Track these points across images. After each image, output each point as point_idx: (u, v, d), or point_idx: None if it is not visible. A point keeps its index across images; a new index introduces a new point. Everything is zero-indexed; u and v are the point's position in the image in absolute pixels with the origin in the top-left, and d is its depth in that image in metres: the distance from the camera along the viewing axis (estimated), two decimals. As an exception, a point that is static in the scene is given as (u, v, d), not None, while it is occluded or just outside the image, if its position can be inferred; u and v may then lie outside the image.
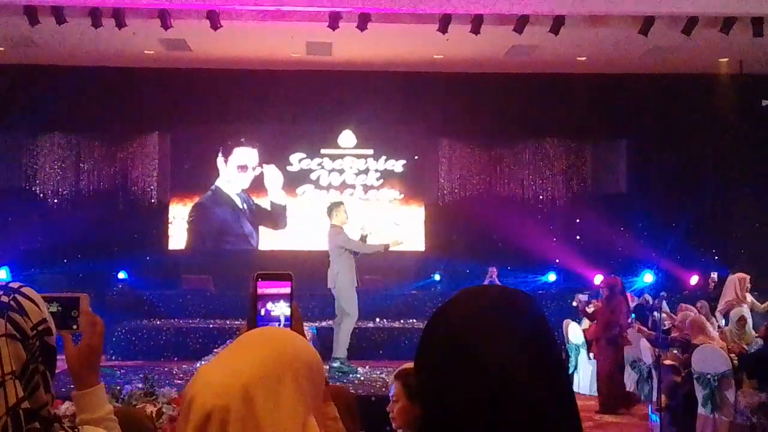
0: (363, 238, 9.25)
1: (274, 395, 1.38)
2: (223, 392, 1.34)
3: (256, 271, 1.80)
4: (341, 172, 15.26)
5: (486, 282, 13.27)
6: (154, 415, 3.43)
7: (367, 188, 15.29)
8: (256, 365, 1.38)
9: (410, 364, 3.95)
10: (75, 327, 1.89)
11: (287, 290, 1.81)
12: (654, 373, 8.31)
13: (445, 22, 11.30)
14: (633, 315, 11.09)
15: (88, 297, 1.94)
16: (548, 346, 1.26)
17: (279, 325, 1.80)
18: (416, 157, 15.42)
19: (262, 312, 1.80)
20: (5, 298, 1.60)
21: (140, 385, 4.26)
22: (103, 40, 12.27)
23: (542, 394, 1.19)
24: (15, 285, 1.66)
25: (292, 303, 1.79)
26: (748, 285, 10.76)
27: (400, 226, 14.62)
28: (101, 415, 1.84)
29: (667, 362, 8.57)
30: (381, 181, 15.32)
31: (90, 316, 1.90)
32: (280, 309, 1.80)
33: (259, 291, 1.79)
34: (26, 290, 1.65)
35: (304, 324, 1.94)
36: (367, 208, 15.14)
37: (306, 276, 13.63)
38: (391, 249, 9.54)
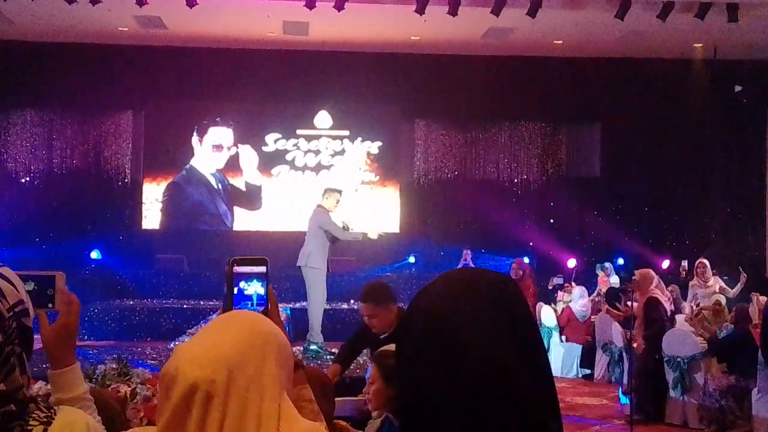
0: (344, 227, 9.25)
1: (257, 371, 1.40)
2: (208, 365, 1.36)
3: (232, 257, 1.82)
4: (317, 153, 15.21)
5: (461, 264, 13.33)
6: (128, 396, 3.42)
7: (342, 169, 15.24)
8: (237, 342, 1.40)
9: (387, 347, 3.97)
10: (50, 305, 1.88)
11: (262, 270, 1.84)
12: (625, 355, 8.41)
13: (422, 3, 11.27)
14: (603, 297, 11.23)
15: (64, 275, 1.92)
16: (527, 328, 1.27)
17: (251, 303, 1.83)
18: (380, 145, 15.38)
19: (235, 290, 1.83)
20: None
21: (114, 365, 4.24)
22: (77, 17, 12.11)
23: (523, 375, 1.19)
24: None
25: (268, 286, 1.82)
26: (709, 270, 10.83)
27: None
28: (77, 395, 1.83)
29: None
30: (356, 161, 15.28)
31: (66, 295, 1.88)
32: (253, 288, 1.83)
33: (236, 271, 1.80)
34: (3, 270, 1.63)
35: (279, 305, 1.96)
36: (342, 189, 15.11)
37: (280, 257, 13.65)
38: (369, 237, 9.56)
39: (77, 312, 1.88)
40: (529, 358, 1.22)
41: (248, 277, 1.83)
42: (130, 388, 3.44)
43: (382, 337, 5.03)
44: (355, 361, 6.03)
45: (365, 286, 5.32)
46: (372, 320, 5.06)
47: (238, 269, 1.82)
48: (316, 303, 9.19)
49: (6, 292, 1.59)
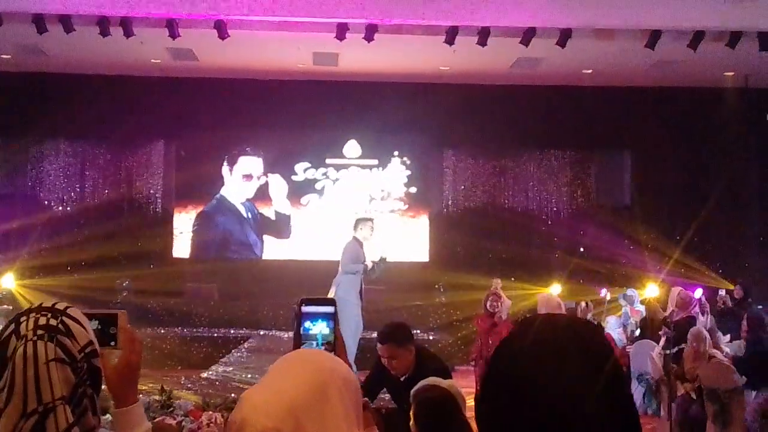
0: (382, 260, 9.22)
1: (320, 414, 1.41)
2: (273, 414, 1.36)
3: (302, 297, 1.88)
4: (346, 182, 15.25)
5: (490, 294, 13.24)
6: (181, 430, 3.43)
7: (371, 198, 15.29)
8: (300, 385, 1.41)
9: (425, 382, 3.95)
10: (113, 344, 1.89)
11: (330, 310, 1.88)
12: (663, 387, 8.30)
13: (452, 34, 11.32)
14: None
15: (126, 313, 1.94)
16: (617, 382, 1.23)
17: (316, 343, 1.87)
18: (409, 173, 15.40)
19: (302, 330, 1.88)
20: (53, 321, 1.61)
21: (157, 397, 4.25)
22: (110, 49, 12.27)
23: (610, 425, 1.18)
24: (61, 306, 1.67)
25: (336, 326, 1.86)
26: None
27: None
28: (140, 433, 1.84)
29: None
30: (385, 191, 15.32)
31: (129, 333, 1.90)
32: (319, 328, 1.87)
33: (304, 311, 1.85)
34: (72, 311, 1.65)
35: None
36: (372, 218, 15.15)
37: (310, 286, 13.70)
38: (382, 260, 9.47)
39: (140, 350, 1.89)
40: (618, 413, 1.20)
41: (315, 317, 1.87)
42: (175, 421, 3.45)
43: (402, 378, 4.94)
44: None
45: (385, 327, 5.23)
46: (392, 362, 4.96)
47: (306, 309, 1.86)
48: (346, 334, 9.15)
49: (76, 334, 1.61)
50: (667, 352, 8.99)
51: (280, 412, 1.37)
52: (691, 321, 8.97)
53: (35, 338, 1.61)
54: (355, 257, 8.98)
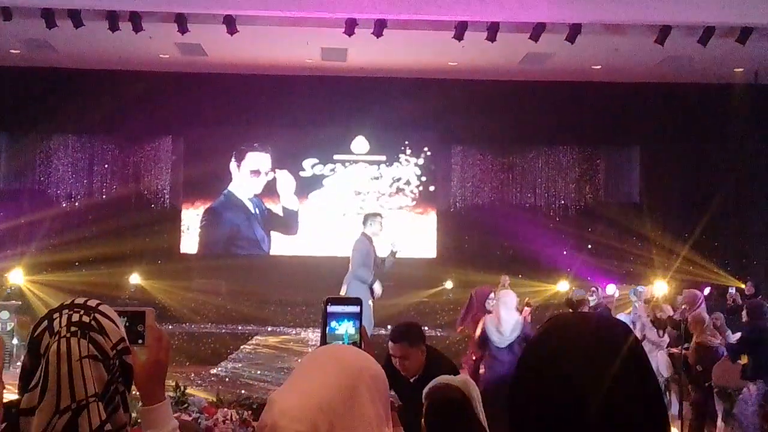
0: (392, 254, 9.17)
1: (350, 414, 1.40)
2: (303, 417, 1.35)
3: (328, 296, 1.90)
4: (354, 178, 15.24)
5: (499, 289, 13.21)
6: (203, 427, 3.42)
7: (379, 195, 15.28)
8: (330, 385, 1.40)
9: (437, 381, 3.92)
10: (141, 342, 1.88)
11: (355, 309, 1.90)
12: (672, 386, 8.29)
13: (461, 29, 11.30)
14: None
15: (154, 311, 1.93)
16: (647, 377, 1.24)
17: (342, 342, 1.88)
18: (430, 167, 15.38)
19: (327, 330, 1.90)
20: (86, 318, 1.61)
21: (171, 393, 4.24)
22: (119, 44, 12.27)
23: (642, 421, 1.18)
24: (93, 303, 1.67)
25: (361, 325, 1.87)
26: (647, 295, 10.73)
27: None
28: (168, 431, 1.83)
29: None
30: (393, 187, 15.31)
31: (156, 331, 1.89)
32: (345, 327, 1.88)
33: (329, 310, 1.87)
34: (104, 308, 1.65)
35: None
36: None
37: (317, 282, 13.71)
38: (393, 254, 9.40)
39: (168, 348, 1.88)
40: (648, 407, 1.20)
41: (340, 317, 1.88)
42: (191, 418, 3.44)
43: (412, 380, 4.90)
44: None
45: (397, 325, 5.18)
46: (404, 362, 4.90)
47: (332, 308, 1.88)
48: None
49: (108, 331, 1.60)
50: (674, 350, 8.98)
51: (311, 414, 1.36)
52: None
53: (68, 335, 1.61)
54: (365, 256, 8.89)
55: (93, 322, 1.61)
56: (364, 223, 9.15)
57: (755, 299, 8.25)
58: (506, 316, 7.30)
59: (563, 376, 1.21)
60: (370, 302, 9.02)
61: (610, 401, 1.17)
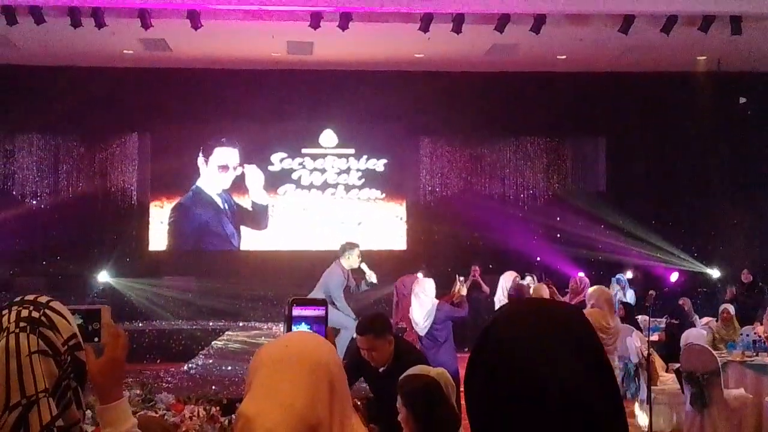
0: (367, 284, 9.11)
1: (330, 412, 1.41)
2: (287, 428, 1.36)
3: (292, 296, 1.90)
4: (323, 171, 15.23)
5: (469, 280, 13.28)
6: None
7: (348, 188, 15.28)
8: (305, 391, 1.40)
9: (412, 371, 3.96)
10: (97, 339, 1.87)
11: (319, 313, 1.89)
12: (641, 371, 8.37)
13: (426, 21, 11.30)
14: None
15: (110, 309, 1.92)
16: (599, 356, 1.25)
17: None
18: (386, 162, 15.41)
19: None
20: (36, 314, 1.59)
21: (138, 391, 4.23)
22: (82, 40, 12.15)
23: (600, 405, 1.19)
24: (43, 299, 1.65)
25: (327, 327, 1.87)
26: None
27: (362, 224, 14.78)
28: (126, 429, 1.82)
29: None
30: (362, 180, 15.31)
31: (112, 328, 1.87)
32: (304, 329, 1.88)
33: (294, 313, 1.85)
34: (55, 304, 1.64)
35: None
36: (349, 207, 15.18)
37: (288, 276, 13.68)
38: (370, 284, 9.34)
39: (124, 345, 1.86)
40: (603, 386, 1.22)
41: (305, 320, 1.88)
42: (158, 415, 3.43)
43: (381, 370, 4.94)
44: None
45: (363, 318, 5.22)
46: (372, 353, 4.94)
47: (297, 311, 1.87)
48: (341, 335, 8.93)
49: (59, 326, 1.59)
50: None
51: (290, 427, 1.37)
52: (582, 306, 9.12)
53: (17, 330, 1.60)
54: (342, 288, 8.77)
55: (43, 318, 1.60)
56: (342, 253, 9.00)
57: None
58: (417, 305, 7.38)
59: (517, 364, 1.21)
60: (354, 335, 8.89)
61: (566, 381, 1.18)
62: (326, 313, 1.92)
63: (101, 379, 1.82)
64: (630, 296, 12.53)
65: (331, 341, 1.90)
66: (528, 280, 11.33)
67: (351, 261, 8.90)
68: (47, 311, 1.62)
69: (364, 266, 9.11)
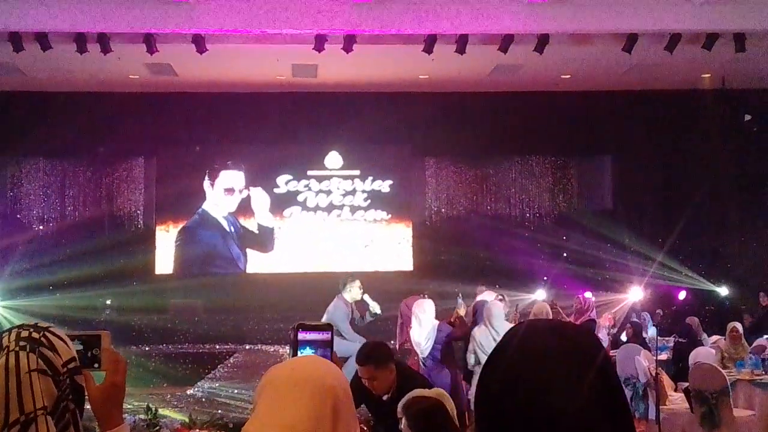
0: (372, 315, 9.11)
1: None
2: None
3: (298, 322, 1.90)
4: (328, 193, 15.25)
5: (477, 299, 13.22)
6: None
7: (354, 209, 15.28)
8: (308, 412, 1.38)
9: (412, 394, 3.94)
10: (97, 365, 1.86)
11: (326, 337, 1.89)
12: (650, 391, 8.31)
13: (430, 43, 11.34)
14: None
15: (110, 334, 1.91)
16: (613, 384, 1.24)
17: None
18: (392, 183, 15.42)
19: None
20: (36, 335, 1.60)
21: (143, 416, 4.21)
22: (88, 66, 12.21)
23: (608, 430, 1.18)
24: (44, 324, 1.66)
25: (332, 351, 1.86)
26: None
27: (369, 246, 14.76)
28: (126, 455, 1.81)
29: None
30: (368, 201, 15.32)
31: (112, 354, 1.86)
32: (309, 354, 1.88)
33: (300, 337, 1.85)
34: (54, 329, 1.65)
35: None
36: (355, 228, 15.18)
37: (295, 298, 13.65)
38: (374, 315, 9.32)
39: (124, 371, 1.86)
40: (614, 415, 1.20)
41: (310, 344, 1.87)
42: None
43: (385, 398, 4.91)
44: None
45: (363, 347, 5.19)
46: (373, 383, 4.92)
47: (302, 335, 1.87)
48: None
49: (59, 349, 1.60)
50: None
51: None
52: (591, 324, 9.09)
53: (17, 348, 1.60)
54: (346, 321, 8.77)
55: (43, 339, 1.60)
56: (343, 287, 9.03)
57: None
58: (418, 327, 7.35)
59: (526, 390, 1.20)
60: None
61: (567, 400, 1.17)
62: (332, 337, 1.92)
63: (101, 405, 1.81)
64: (652, 333, 12.33)
65: (337, 365, 1.89)
66: (480, 288, 10.97)
67: (353, 293, 8.94)
68: (47, 333, 1.63)
69: (366, 297, 9.12)
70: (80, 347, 1.83)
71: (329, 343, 1.89)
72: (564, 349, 1.23)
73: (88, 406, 1.76)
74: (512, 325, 7.71)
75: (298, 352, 1.88)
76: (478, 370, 7.59)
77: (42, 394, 1.54)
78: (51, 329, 1.64)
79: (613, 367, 1.27)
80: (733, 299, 14.52)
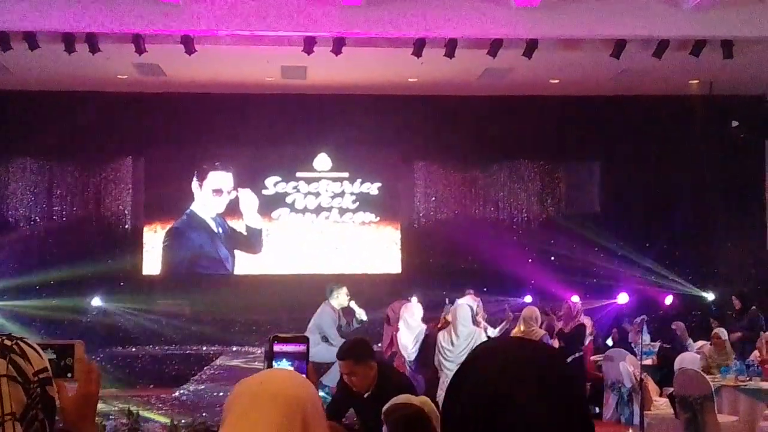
0: (361, 322, 9.16)
1: None
2: None
3: (274, 334, 1.90)
4: (317, 195, 15.24)
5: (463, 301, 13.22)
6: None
7: (342, 211, 15.28)
8: (275, 427, 1.38)
9: (396, 400, 3.94)
10: (70, 375, 1.85)
11: (301, 350, 1.89)
12: (635, 396, 8.34)
13: (419, 46, 11.35)
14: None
15: (83, 344, 1.90)
16: (575, 394, 1.28)
17: None
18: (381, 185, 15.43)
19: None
20: (8, 342, 1.60)
21: (124, 420, 4.20)
22: (76, 65, 12.17)
23: None
24: (17, 335, 1.66)
25: (308, 363, 1.86)
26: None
27: (357, 248, 14.77)
28: (99, 466, 1.81)
29: None
30: (357, 204, 15.32)
31: (85, 364, 1.86)
32: (285, 366, 1.87)
33: (275, 349, 1.86)
34: (27, 339, 1.64)
35: None
36: (343, 231, 15.18)
37: (282, 300, 13.66)
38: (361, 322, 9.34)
39: (97, 381, 1.85)
40: (577, 426, 1.23)
41: (286, 356, 1.87)
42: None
43: (366, 395, 4.93)
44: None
45: (344, 343, 5.28)
46: (352, 378, 4.94)
47: (277, 347, 1.86)
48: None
49: (31, 358, 1.59)
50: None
51: None
52: (581, 329, 9.14)
53: None
54: (333, 324, 8.79)
55: (15, 347, 1.60)
56: (329, 294, 9.10)
57: None
58: (405, 330, 7.37)
59: (490, 401, 1.23)
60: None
61: (541, 420, 1.20)
62: (307, 349, 1.92)
63: (74, 415, 1.81)
64: (646, 338, 12.32)
65: (312, 378, 1.89)
66: (468, 292, 10.81)
67: (340, 300, 9.00)
68: (20, 342, 1.62)
69: (353, 304, 9.18)
70: (53, 356, 1.82)
71: (305, 355, 1.89)
72: (527, 363, 1.27)
73: (58, 417, 1.76)
74: (474, 328, 7.77)
75: (274, 364, 1.88)
76: (442, 373, 7.61)
77: (11, 399, 1.54)
78: (24, 339, 1.63)
79: (576, 380, 1.32)
80: (720, 304, 14.56)
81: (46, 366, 1.63)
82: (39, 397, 1.58)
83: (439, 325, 8.17)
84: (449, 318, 8.10)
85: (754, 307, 11.72)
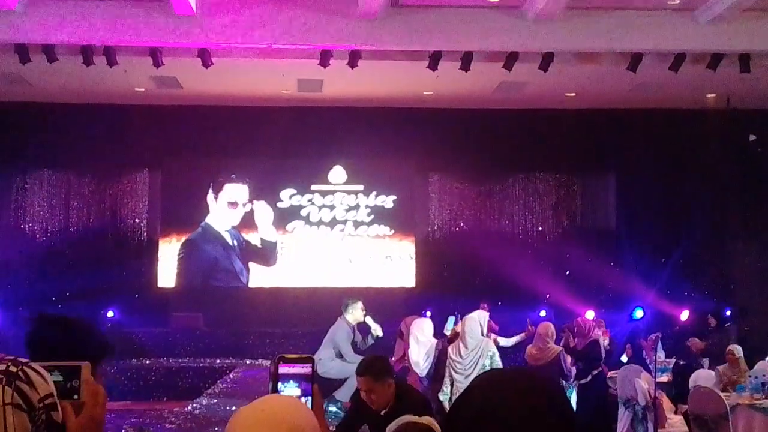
0: (375, 338, 9.15)
1: None
2: None
3: (279, 354, 1.88)
4: (331, 208, 15.25)
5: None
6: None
7: (357, 224, 15.28)
8: None
9: (402, 419, 3.91)
10: (76, 397, 1.84)
11: (306, 371, 1.86)
12: (648, 414, 8.27)
13: (435, 59, 11.36)
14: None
15: (90, 365, 1.89)
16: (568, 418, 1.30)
17: None
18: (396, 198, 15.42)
19: (277, 391, 1.87)
20: (13, 368, 1.59)
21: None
22: (94, 78, 12.27)
23: None
24: (23, 359, 1.65)
25: (313, 384, 1.84)
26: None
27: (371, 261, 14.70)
28: (104, 489, 1.80)
29: None
30: (371, 216, 15.31)
31: (92, 386, 1.84)
32: (291, 390, 1.85)
33: (281, 371, 1.85)
34: (33, 365, 1.64)
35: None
36: (358, 244, 15.17)
37: (297, 313, 13.65)
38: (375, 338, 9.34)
39: (104, 403, 1.84)
40: None
41: (292, 378, 1.85)
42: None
43: (382, 413, 4.91)
44: None
45: (363, 359, 5.26)
46: (371, 395, 4.93)
47: (282, 369, 1.84)
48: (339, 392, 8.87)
49: (36, 384, 1.58)
50: (582, 381, 9.02)
51: None
52: (595, 346, 9.04)
53: None
54: (349, 342, 8.80)
55: (20, 373, 1.59)
56: (345, 309, 9.09)
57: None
58: (416, 346, 7.33)
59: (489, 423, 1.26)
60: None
61: None
62: (313, 371, 1.90)
63: (80, 439, 1.80)
64: (661, 355, 12.22)
65: (317, 400, 1.87)
66: (482, 306, 10.49)
67: (355, 315, 8.98)
68: (25, 368, 1.62)
69: (369, 320, 9.15)
70: (60, 378, 1.82)
71: (310, 377, 1.87)
72: (524, 394, 1.29)
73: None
74: (481, 338, 7.74)
75: (279, 385, 1.87)
76: (453, 386, 7.60)
77: (15, 428, 1.53)
78: (30, 364, 1.63)
79: (570, 411, 1.34)
80: (736, 320, 14.43)
81: (52, 392, 1.63)
82: (44, 423, 1.58)
83: (449, 337, 8.14)
84: (458, 329, 8.08)
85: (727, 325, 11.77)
